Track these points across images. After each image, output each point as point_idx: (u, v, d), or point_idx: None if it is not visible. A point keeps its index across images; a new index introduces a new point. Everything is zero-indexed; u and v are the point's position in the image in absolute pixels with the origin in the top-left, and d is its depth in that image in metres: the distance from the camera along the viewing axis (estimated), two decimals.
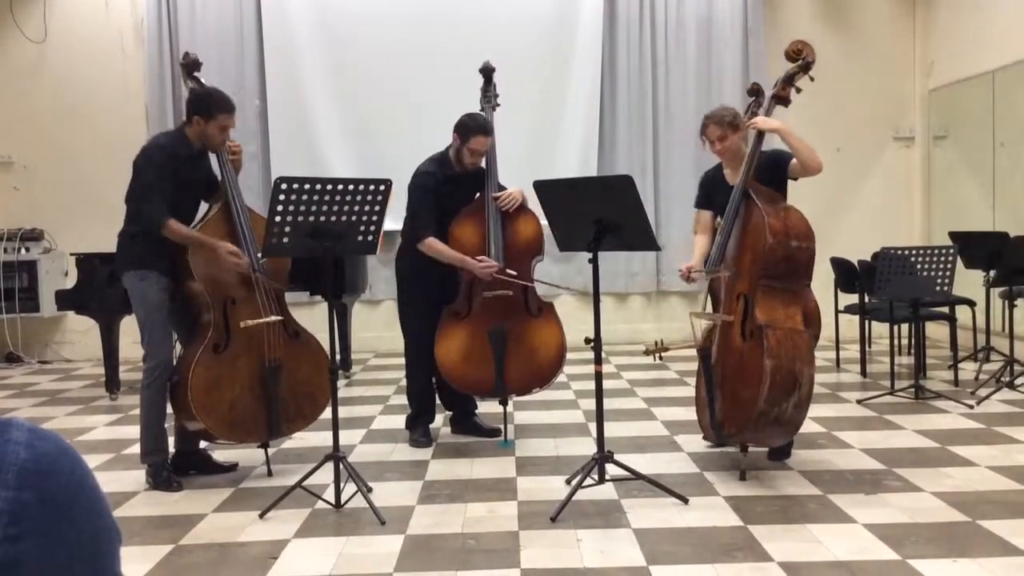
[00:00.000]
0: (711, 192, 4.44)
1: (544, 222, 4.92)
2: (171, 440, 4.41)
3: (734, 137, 4.27)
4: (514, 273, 4.77)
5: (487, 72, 5.13)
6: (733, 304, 4.15)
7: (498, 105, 5.10)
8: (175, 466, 4.37)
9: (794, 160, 4.11)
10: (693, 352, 4.33)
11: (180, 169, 4.19)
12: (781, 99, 4.26)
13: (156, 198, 4.08)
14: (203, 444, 4.58)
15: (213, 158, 4.41)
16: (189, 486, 4.25)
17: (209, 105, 4.20)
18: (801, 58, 4.22)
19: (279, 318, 4.31)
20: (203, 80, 4.40)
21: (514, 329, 4.85)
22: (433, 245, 4.71)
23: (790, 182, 4.33)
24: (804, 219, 4.06)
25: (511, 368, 4.83)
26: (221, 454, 4.63)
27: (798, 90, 4.29)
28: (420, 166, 4.89)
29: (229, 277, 4.21)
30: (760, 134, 4.15)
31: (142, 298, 4.19)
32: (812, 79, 4.27)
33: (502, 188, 4.93)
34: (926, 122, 8.67)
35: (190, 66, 4.39)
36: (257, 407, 4.27)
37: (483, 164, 4.89)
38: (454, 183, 4.84)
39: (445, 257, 4.72)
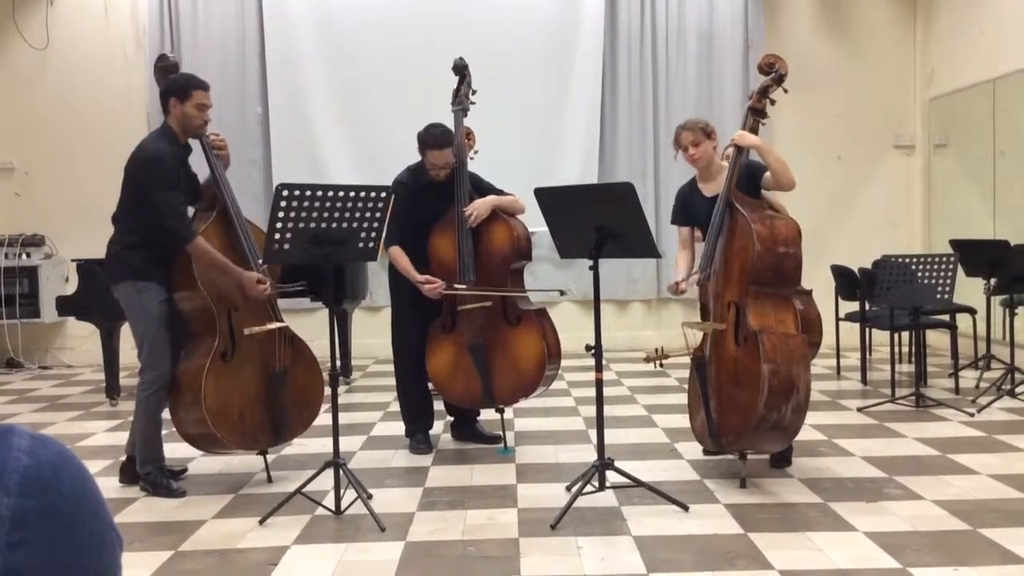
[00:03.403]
0: (688, 206, 4.48)
1: (525, 227, 4.93)
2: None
3: (707, 144, 4.31)
4: (463, 287, 4.73)
5: (459, 70, 4.99)
6: (724, 312, 4.16)
7: (471, 105, 4.98)
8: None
9: (767, 174, 4.16)
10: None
11: (179, 173, 4.17)
12: (758, 111, 4.32)
13: (180, 210, 4.06)
14: (198, 452, 4.57)
15: (195, 162, 4.38)
16: (188, 492, 4.24)
17: (183, 85, 4.16)
18: (774, 71, 4.31)
19: (284, 324, 4.30)
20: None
21: (494, 341, 4.82)
22: (395, 257, 4.73)
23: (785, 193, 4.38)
24: (790, 225, 4.10)
25: (495, 380, 4.81)
26: (218, 460, 4.63)
27: (772, 102, 4.36)
28: (397, 175, 4.88)
29: (231, 285, 4.16)
30: (739, 149, 4.20)
31: (142, 310, 4.13)
32: (786, 91, 4.34)
33: (476, 196, 4.87)
34: (926, 130, 8.68)
35: (167, 69, 4.33)
36: (264, 414, 4.26)
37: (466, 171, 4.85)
38: (431, 192, 4.82)
39: (400, 270, 4.76)
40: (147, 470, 4.23)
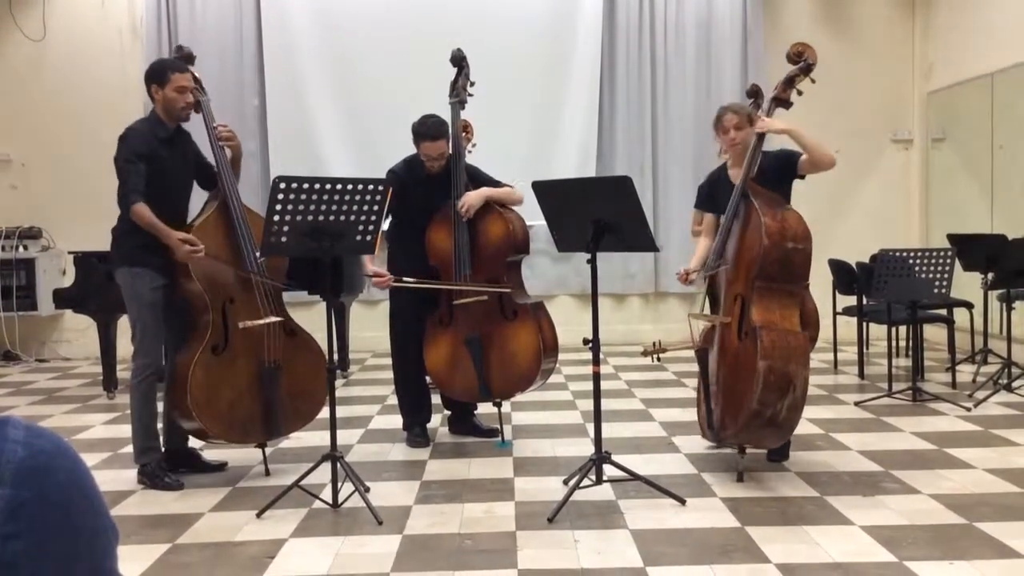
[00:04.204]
0: (716, 193, 4.41)
1: (522, 220, 4.92)
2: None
3: (749, 130, 4.23)
4: (411, 280, 4.73)
5: (457, 61, 4.98)
6: (731, 305, 4.15)
7: (468, 98, 4.97)
8: (165, 464, 4.36)
9: (804, 157, 4.11)
10: (691, 353, 4.33)
11: (158, 151, 4.17)
12: (781, 101, 4.24)
13: (130, 179, 4.08)
14: (199, 444, 4.57)
15: (205, 149, 4.39)
16: (185, 485, 4.24)
17: (160, 70, 4.22)
18: (803, 60, 4.21)
19: (279, 319, 4.30)
20: (199, 76, 4.39)
21: (490, 335, 4.81)
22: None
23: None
24: (801, 221, 4.04)
25: (492, 374, 4.82)
26: (214, 453, 4.63)
27: (799, 92, 4.28)
28: (392, 166, 4.87)
29: (228, 277, 4.20)
30: (760, 136, 4.15)
31: (135, 295, 4.18)
32: (813, 81, 4.26)
33: (472, 187, 4.85)
34: (925, 124, 8.67)
35: (184, 60, 4.37)
36: (256, 408, 4.26)
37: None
38: (426, 184, 4.81)
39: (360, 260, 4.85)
40: (144, 461, 4.24)
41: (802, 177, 4.26)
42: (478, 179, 4.92)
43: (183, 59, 4.38)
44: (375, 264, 4.74)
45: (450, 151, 4.82)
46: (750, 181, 4.12)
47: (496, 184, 4.93)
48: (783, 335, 3.92)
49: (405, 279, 4.74)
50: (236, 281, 4.23)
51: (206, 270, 4.13)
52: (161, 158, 4.17)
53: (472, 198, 4.77)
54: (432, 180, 4.81)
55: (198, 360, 4.11)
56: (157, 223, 4.06)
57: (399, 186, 4.65)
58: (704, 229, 4.50)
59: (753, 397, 3.83)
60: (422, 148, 4.74)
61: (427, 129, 4.71)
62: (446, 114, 4.88)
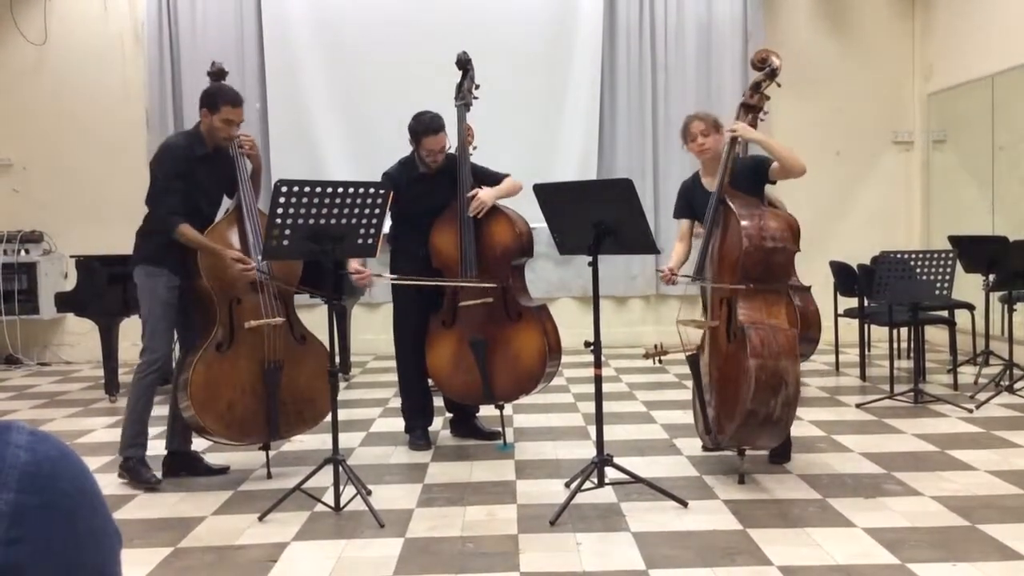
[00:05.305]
0: (690, 201, 4.46)
1: (526, 222, 4.92)
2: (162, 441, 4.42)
3: (716, 137, 4.28)
4: (392, 276, 4.78)
5: (462, 64, 4.98)
6: (718, 309, 4.17)
7: (474, 100, 4.97)
8: (167, 467, 4.39)
9: (775, 164, 4.14)
10: None
11: (195, 168, 4.26)
12: (750, 107, 4.26)
13: (168, 201, 4.18)
14: (203, 447, 4.58)
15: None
16: (188, 488, 4.25)
17: (215, 98, 4.29)
18: (767, 66, 4.25)
19: (283, 319, 4.33)
20: (207, 82, 4.47)
21: (495, 337, 4.81)
22: None
23: (778, 186, 4.36)
24: (781, 221, 4.06)
25: (496, 376, 4.81)
26: (217, 457, 4.63)
27: (767, 97, 4.31)
28: (387, 169, 4.87)
29: (235, 277, 4.25)
30: (733, 141, 4.17)
31: (150, 293, 4.26)
32: (779, 85, 4.30)
33: (477, 186, 4.85)
34: (925, 126, 8.67)
35: (216, 75, 4.52)
36: (257, 408, 4.27)
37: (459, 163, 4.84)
38: (423, 184, 4.81)
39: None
40: (128, 455, 4.29)
41: (773, 182, 4.31)
42: (478, 175, 4.91)
43: (215, 75, 4.52)
44: (373, 264, 4.76)
45: (451, 146, 4.82)
46: (727, 186, 4.14)
47: (496, 178, 4.92)
48: (772, 332, 3.93)
49: (384, 275, 4.76)
50: (244, 282, 4.27)
51: (215, 271, 4.19)
52: (195, 174, 4.27)
53: (485, 195, 4.76)
54: (428, 180, 4.81)
55: (201, 356, 4.16)
56: (203, 241, 4.15)
57: (395, 188, 4.66)
58: (679, 234, 4.54)
59: (747, 396, 3.83)
60: (424, 144, 4.73)
61: (426, 125, 4.71)
62: (449, 116, 4.88)
